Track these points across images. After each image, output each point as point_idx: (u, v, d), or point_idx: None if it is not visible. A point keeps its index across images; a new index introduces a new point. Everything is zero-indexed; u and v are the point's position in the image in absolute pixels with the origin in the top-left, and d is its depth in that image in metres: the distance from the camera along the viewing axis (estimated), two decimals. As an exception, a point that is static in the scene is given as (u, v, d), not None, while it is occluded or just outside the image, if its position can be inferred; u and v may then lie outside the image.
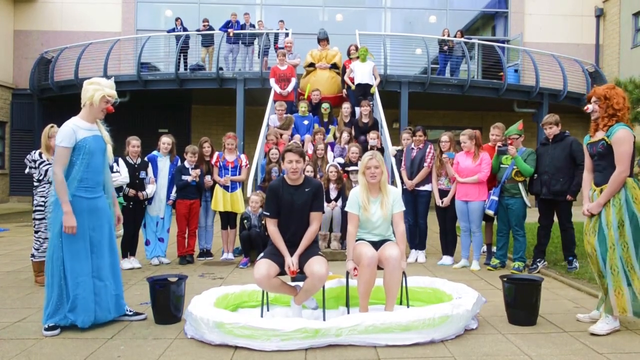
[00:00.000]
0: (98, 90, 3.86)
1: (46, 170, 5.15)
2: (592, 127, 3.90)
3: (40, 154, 5.23)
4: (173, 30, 13.93)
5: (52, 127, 5.20)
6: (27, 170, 5.30)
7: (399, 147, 7.35)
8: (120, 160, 6.02)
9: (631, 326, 3.92)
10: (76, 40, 14.62)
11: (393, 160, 7.47)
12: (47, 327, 3.72)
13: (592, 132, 3.91)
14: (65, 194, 3.71)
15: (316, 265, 3.76)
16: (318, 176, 7.15)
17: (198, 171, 6.49)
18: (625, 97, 3.82)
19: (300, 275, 3.93)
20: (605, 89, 3.83)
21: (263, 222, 6.13)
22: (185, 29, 13.86)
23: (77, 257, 3.78)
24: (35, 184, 5.25)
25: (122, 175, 5.91)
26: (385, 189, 4.09)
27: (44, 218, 5.13)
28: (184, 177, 6.40)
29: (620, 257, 3.67)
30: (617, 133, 3.69)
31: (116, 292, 4.01)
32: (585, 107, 3.91)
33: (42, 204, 5.15)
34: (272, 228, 4.01)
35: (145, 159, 6.39)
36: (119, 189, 5.81)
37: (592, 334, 3.71)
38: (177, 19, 13.99)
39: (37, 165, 5.20)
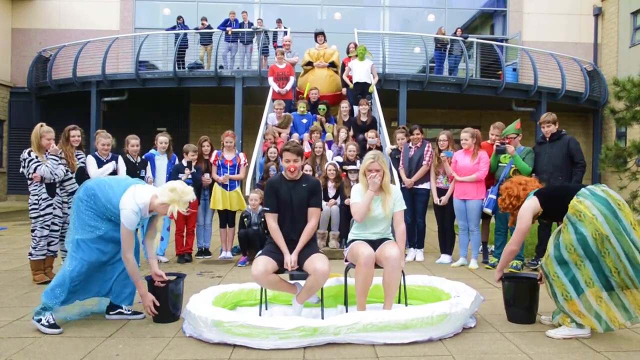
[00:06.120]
0: (174, 203, 3.71)
1: (35, 169, 5.08)
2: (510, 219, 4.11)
3: (29, 152, 5.15)
4: (174, 28, 13.89)
5: (41, 126, 5.16)
6: (20, 170, 5.27)
7: (394, 146, 7.34)
8: (120, 159, 6.00)
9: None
10: (74, 39, 14.57)
11: (388, 158, 7.47)
12: (48, 324, 3.71)
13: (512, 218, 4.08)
14: (138, 277, 3.90)
15: (318, 262, 3.76)
16: (317, 175, 7.14)
17: (189, 172, 6.43)
18: (521, 182, 3.99)
19: (299, 272, 3.93)
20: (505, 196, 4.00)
21: (263, 219, 6.13)
22: (186, 28, 13.82)
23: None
24: (29, 181, 5.22)
25: (119, 174, 5.89)
26: (387, 189, 4.09)
27: (39, 216, 5.14)
28: (180, 176, 6.39)
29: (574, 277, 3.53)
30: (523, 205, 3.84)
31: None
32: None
33: (36, 202, 5.14)
34: (273, 225, 4.00)
35: (143, 157, 6.38)
36: None
37: (548, 337, 3.65)
38: (179, 18, 13.94)
39: (26, 163, 5.13)
